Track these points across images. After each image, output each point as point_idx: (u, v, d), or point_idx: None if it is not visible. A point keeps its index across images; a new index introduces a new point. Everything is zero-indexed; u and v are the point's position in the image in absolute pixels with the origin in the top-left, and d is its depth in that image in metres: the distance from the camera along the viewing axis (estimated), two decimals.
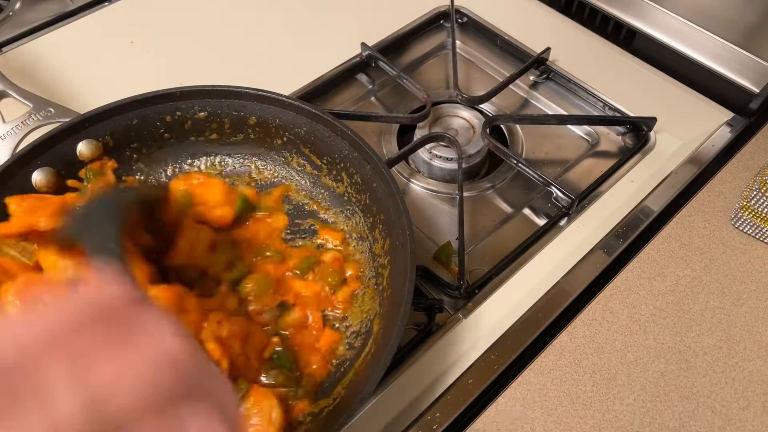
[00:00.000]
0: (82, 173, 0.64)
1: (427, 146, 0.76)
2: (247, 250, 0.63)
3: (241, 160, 0.70)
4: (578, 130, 0.82)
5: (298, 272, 0.62)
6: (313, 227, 0.66)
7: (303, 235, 0.66)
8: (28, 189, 0.60)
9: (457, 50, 0.89)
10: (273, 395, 0.52)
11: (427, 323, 0.62)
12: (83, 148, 0.63)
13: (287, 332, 0.58)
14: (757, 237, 0.69)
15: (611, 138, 0.81)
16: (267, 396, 0.52)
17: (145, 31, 0.90)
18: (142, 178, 0.67)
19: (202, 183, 0.64)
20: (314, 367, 0.56)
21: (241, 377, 0.52)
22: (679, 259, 0.67)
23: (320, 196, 0.68)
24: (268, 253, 0.63)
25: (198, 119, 0.67)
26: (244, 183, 0.69)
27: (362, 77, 0.88)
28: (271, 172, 0.70)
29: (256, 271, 0.61)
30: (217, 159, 0.70)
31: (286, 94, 0.66)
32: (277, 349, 0.56)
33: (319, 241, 0.65)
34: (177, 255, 0.58)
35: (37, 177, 0.61)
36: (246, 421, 0.51)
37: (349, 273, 0.62)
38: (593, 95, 0.84)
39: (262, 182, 0.69)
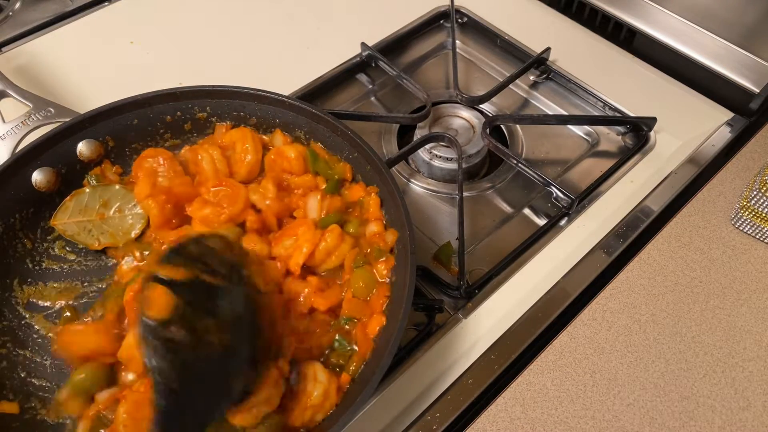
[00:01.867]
0: (85, 183, 0.64)
1: (427, 146, 0.76)
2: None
3: None
4: (578, 130, 0.82)
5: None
6: None
7: None
8: (28, 189, 0.60)
9: (457, 50, 0.89)
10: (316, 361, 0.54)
11: (427, 323, 0.62)
12: (83, 148, 0.63)
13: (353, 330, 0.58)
14: (757, 237, 0.69)
15: (611, 138, 0.81)
16: (310, 363, 0.53)
17: (145, 31, 0.90)
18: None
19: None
20: (360, 344, 0.56)
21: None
22: (679, 259, 0.67)
23: None
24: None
25: (198, 119, 0.67)
26: None
27: (362, 77, 0.88)
28: None
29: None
30: None
31: (286, 94, 0.66)
32: (337, 337, 0.56)
33: None
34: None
35: (37, 177, 0.61)
36: (299, 391, 0.52)
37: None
38: (593, 95, 0.84)
39: None
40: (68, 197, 0.62)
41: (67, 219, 0.62)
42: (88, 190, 0.63)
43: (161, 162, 0.64)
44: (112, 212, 0.63)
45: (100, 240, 0.62)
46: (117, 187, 0.64)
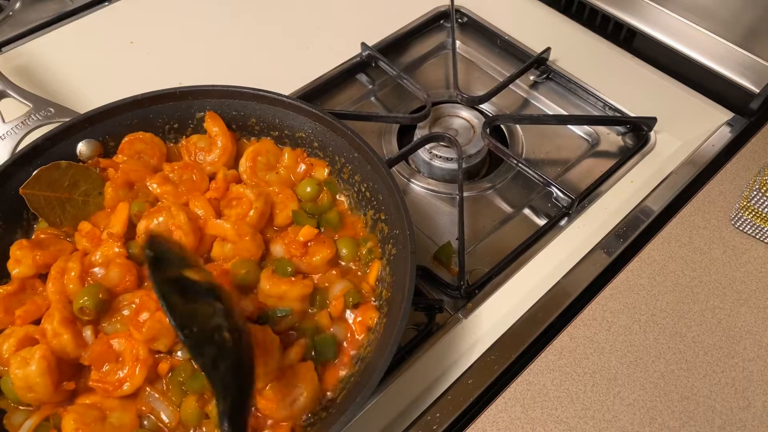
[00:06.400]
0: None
1: (427, 146, 0.76)
2: None
3: None
4: (578, 130, 0.82)
5: None
6: None
7: None
8: None
9: (457, 50, 0.89)
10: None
11: (427, 323, 0.62)
12: (83, 148, 0.63)
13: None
14: (757, 237, 0.69)
15: (611, 138, 0.81)
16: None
17: (145, 31, 0.90)
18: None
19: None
20: None
21: None
22: (679, 259, 0.67)
23: None
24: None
25: (198, 119, 0.67)
26: None
27: (362, 77, 0.88)
28: None
29: None
30: None
31: (286, 94, 0.66)
32: None
33: None
34: None
35: None
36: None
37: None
38: (593, 95, 0.84)
39: None
40: (45, 167, 0.60)
41: (36, 190, 0.59)
42: (64, 165, 0.61)
43: (149, 147, 0.65)
44: (77, 194, 0.61)
45: (62, 220, 0.60)
46: (91, 170, 0.62)
